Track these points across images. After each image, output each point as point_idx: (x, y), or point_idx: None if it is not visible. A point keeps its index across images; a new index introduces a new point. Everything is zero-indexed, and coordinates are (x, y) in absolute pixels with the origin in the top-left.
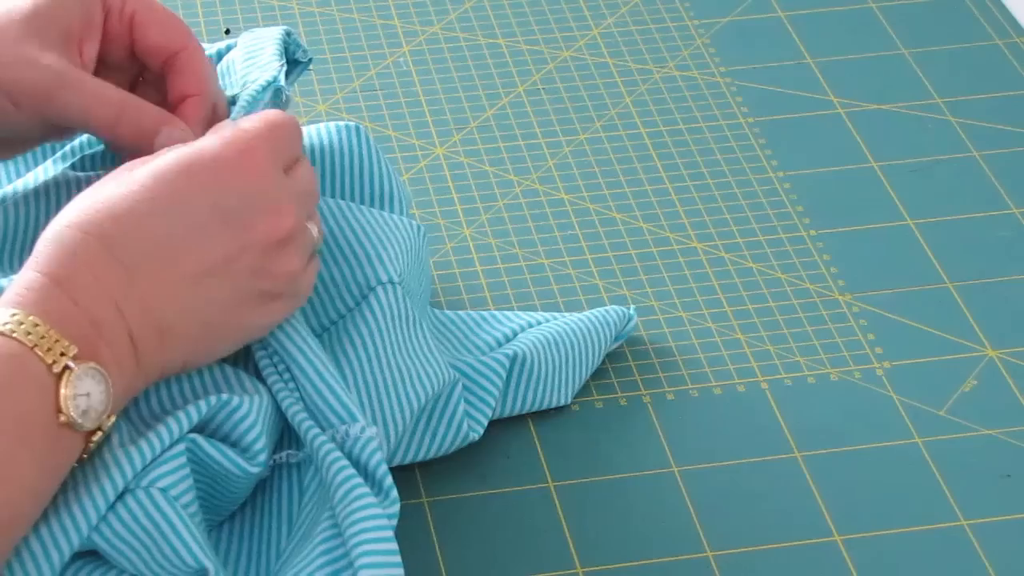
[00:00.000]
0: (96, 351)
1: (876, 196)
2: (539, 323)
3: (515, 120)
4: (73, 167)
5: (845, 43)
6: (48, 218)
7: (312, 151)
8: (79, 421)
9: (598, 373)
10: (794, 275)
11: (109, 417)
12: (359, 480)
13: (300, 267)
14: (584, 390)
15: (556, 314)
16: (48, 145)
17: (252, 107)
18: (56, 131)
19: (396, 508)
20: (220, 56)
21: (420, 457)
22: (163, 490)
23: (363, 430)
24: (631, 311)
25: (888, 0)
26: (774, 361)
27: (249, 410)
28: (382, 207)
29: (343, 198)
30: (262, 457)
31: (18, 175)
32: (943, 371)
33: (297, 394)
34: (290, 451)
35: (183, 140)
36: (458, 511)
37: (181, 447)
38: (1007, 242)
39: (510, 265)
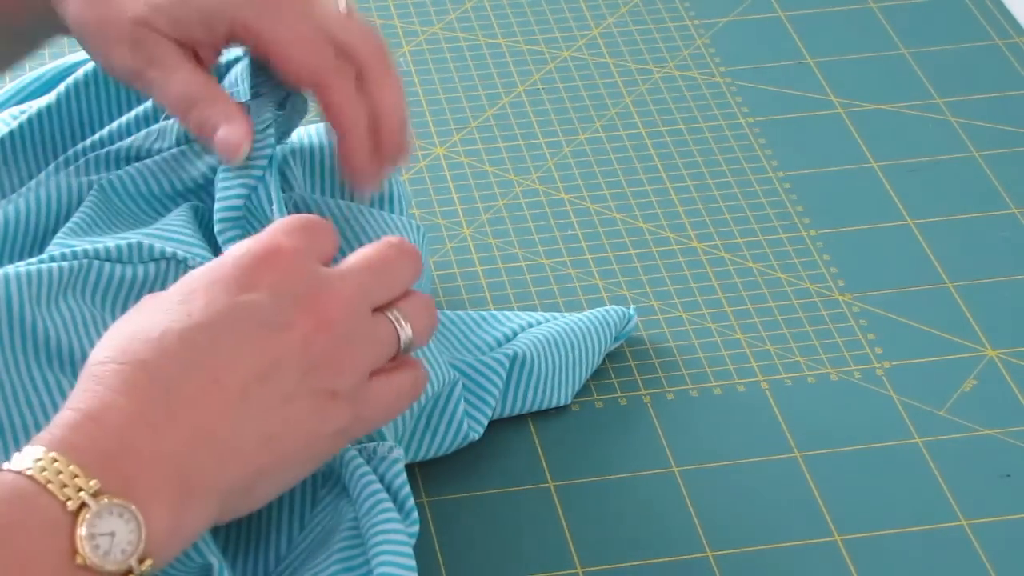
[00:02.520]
0: (131, 487)
1: (876, 196)
2: (539, 323)
3: (515, 120)
4: (76, 171)
5: (845, 43)
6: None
7: (312, 151)
8: (99, 563)
9: (598, 373)
10: (794, 275)
11: (143, 560)
12: (385, 495)
13: (367, 360)
14: (584, 390)
15: (556, 314)
16: (50, 149)
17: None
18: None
19: (416, 528)
20: (228, 66)
21: (420, 457)
22: None
23: (391, 450)
24: (631, 311)
25: (888, 0)
26: (774, 361)
27: None
28: (382, 207)
29: (343, 198)
30: None
31: (20, 183)
32: (943, 371)
33: None
34: None
35: (235, 142)
36: (458, 511)
37: None
38: (1007, 242)
39: (510, 265)
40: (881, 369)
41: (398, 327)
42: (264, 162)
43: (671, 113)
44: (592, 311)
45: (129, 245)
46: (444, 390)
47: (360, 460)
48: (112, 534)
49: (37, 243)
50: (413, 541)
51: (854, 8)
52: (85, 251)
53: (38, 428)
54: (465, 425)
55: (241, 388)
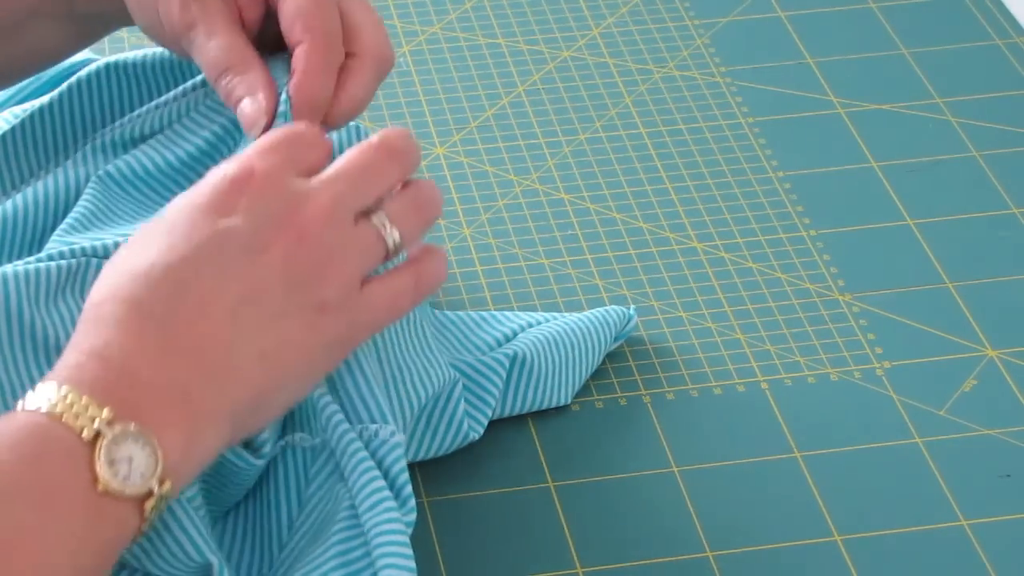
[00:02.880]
0: (138, 412)
1: (876, 196)
2: (539, 323)
3: (515, 120)
4: (75, 161)
5: (845, 43)
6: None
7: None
8: (120, 488)
9: (598, 373)
10: (794, 275)
11: (163, 482)
12: (386, 490)
13: (352, 268)
14: (584, 390)
15: (556, 314)
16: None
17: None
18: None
19: (413, 516)
20: None
21: (420, 457)
22: None
23: (392, 434)
24: (631, 311)
25: (888, 0)
26: (774, 361)
27: None
28: None
29: None
30: (266, 448)
31: (21, 180)
32: (943, 371)
33: (327, 385)
34: (302, 435)
35: (252, 116)
36: (458, 511)
37: None
38: (1007, 242)
39: (510, 265)
40: (881, 369)
41: (383, 230)
42: None
43: (671, 113)
44: (592, 311)
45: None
46: (444, 390)
47: (358, 444)
48: (130, 459)
49: (37, 239)
50: (410, 531)
51: (854, 8)
52: (83, 249)
53: None
54: (465, 425)
55: (230, 312)
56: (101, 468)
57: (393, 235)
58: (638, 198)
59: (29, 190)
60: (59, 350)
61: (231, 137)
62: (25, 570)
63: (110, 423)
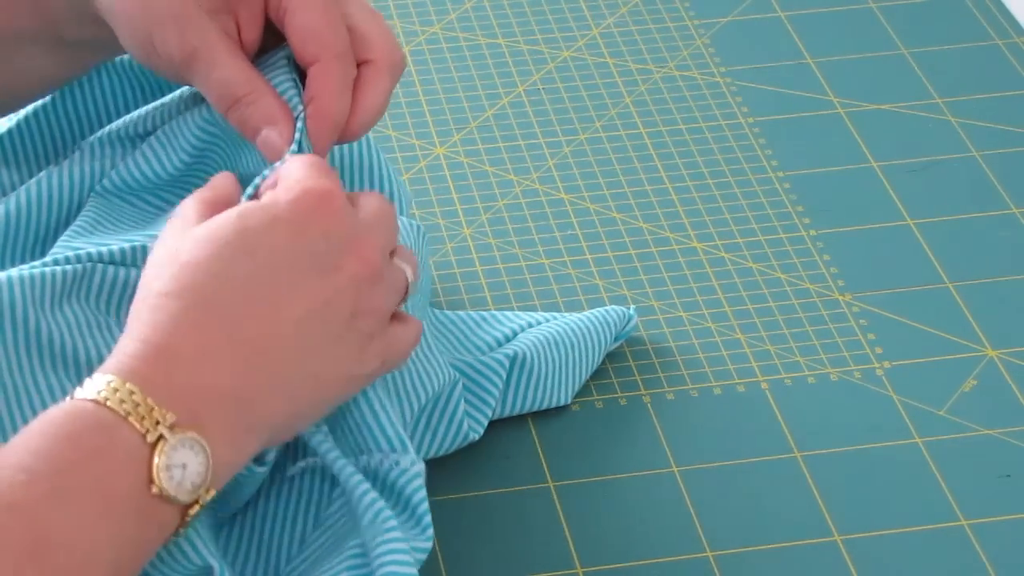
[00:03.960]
0: (197, 418)
1: (876, 196)
2: (539, 323)
3: (515, 120)
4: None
5: (845, 43)
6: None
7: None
8: (173, 493)
9: (598, 373)
10: (794, 275)
11: (208, 491)
12: (383, 505)
13: (392, 304)
14: (584, 390)
15: (556, 314)
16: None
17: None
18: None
19: (429, 544)
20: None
21: (420, 457)
22: None
23: (413, 463)
24: (631, 311)
25: (888, 0)
26: (774, 361)
27: None
28: None
29: None
30: (270, 456)
31: (21, 181)
32: (943, 371)
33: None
34: (317, 459)
35: (277, 146)
36: (458, 511)
37: None
38: (1007, 242)
39: (510, 265)
40: (881, 369)
41: (405, 271)
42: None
43: (671, 113)
44: (592, 311)
45: (133, 248)
46: (444, 390)
47: (359, 478)
48: (184, 466)
49: (41, 238)
50: (425, 556)
51: (854, 8)
52: (89, 254)
53: None
54: (465, 425)
55: (296, 324)
56: (158, 472)
57: (409, 275)
58: (638, 198)
59: (33, 187)
60: (64, 354)
61: (222, 141)
62: (71, 564)
63: (172, 428)
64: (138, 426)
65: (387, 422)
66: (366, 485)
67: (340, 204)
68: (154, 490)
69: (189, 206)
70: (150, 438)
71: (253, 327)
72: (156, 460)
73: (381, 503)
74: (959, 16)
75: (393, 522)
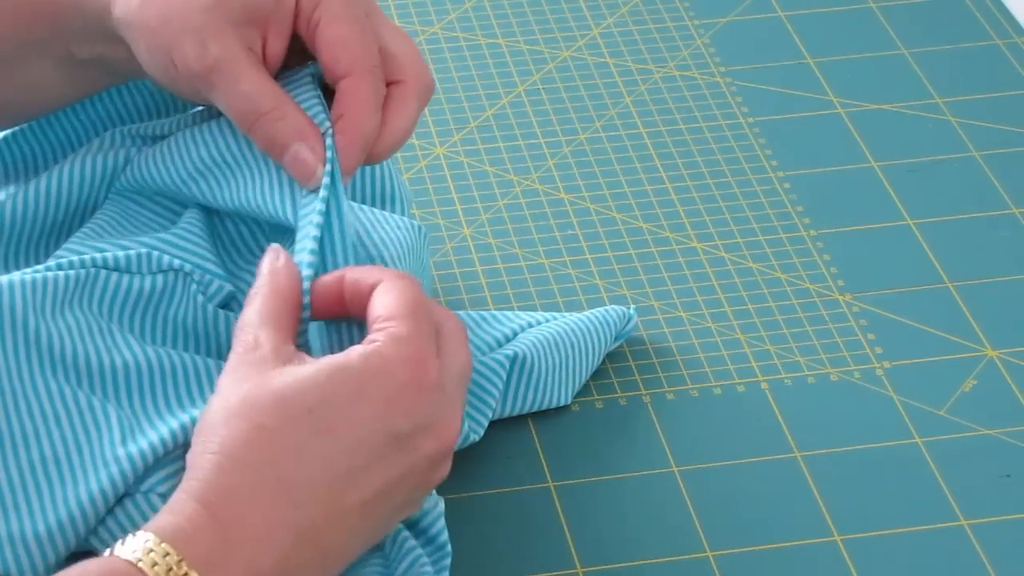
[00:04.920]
0: None
1: (876, 196)
2: (539, 323)
3: (515, 120)
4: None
5: (845, 43)
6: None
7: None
8: None
9: (598, 373)
10: (794, 275)
11: None
12: (410, 534)
13: (449, 464)
14: (584, 390)
15: (556, 314)
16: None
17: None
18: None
19: (448, 562)
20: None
21: None
22: (162, 496)
23: (436, 504)
24: (631, 311)
25: (888, 0)
26: (774, 361)
27: None
28: (383, 207)
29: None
30: None
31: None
32: (943, 371)
33: None
34: None
35: (310, 164)
36: (459, 511)
37: (180, 453)
38: (1007, 242)
39: (510, 265)
40: (881, 369)
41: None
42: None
43: (671, 113)
44: (592, 311)
45: (138, 255)
46: None
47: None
48: None
49: (45, 236)
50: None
51: (854, 8)
52: (93, 260)
53: (40, 437)
54: (465, 425)
55: (362, 506)
56: None
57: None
58: (638, 198)
59: (43, 183)
60: (64, 359)
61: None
62: None
63: None
64: None
65: None
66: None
67: (432, 379)
68: None
69: (255, 326)
70: None
71: (320, 512)
72: None
73: (418, 550)
74: (959, 16)
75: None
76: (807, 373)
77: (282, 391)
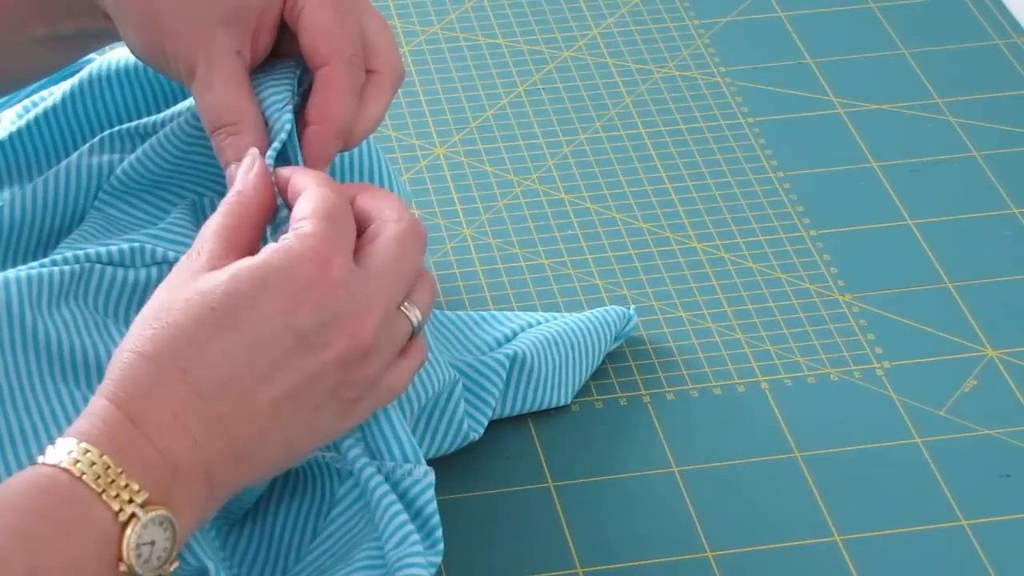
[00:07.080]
0: (168, 495)
1: (876, 196)
2: (539, 323)
3: (515, 120)
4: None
5: (845, 43)
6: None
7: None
8: (140, 571)
9: (598, 373)
10: (794, 275)
11: (172, 563)
12: (410, 523)
13: (385, 363)
14: (584, 390)
15: (556, 314)
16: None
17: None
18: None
19: (439, 560)
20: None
21: None
22: None
23: (426, 474)
24: (631, 311)
25: (888, 0)
26: (774, 361)
27: None
28: None
29: None
30: None
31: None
32: (943, 371)
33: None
34: (333, 455)
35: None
36: (458, 511)
37: None
38: (1007, 242)
39: (510, 265)
40: (881, 369)
41: (410, 316)
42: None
43: (671, 113)
44: (592, 311)
45: (132, 249)
46: (444, 390)
47: (385, 487)
48: (152, 543)
49: (47, 239)
50: (434, 570)
51: (854, 8)
52: (87, 255)
53: (38, 433)
54: (465, 425)
55: (273, 404)
56: (128, 550)
57: (417, 318)
58: (638, 198)
59: (39, 189)
60: (61, 355)
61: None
62: None
63: (144, 506)
64: (112, 504)
65: (402, 433)
66: (392, 496)
67: (338, 275)
68: (122, 568)
69: (205, 239)
70: (122, 517)
71: (227, 404)
72: (127, 539)
73: (410, 525)
74: (959, 16)
75: (418, 546)
76: (807, 373)
77: (193, 292)
